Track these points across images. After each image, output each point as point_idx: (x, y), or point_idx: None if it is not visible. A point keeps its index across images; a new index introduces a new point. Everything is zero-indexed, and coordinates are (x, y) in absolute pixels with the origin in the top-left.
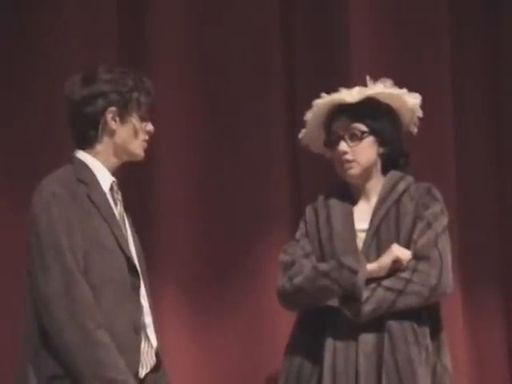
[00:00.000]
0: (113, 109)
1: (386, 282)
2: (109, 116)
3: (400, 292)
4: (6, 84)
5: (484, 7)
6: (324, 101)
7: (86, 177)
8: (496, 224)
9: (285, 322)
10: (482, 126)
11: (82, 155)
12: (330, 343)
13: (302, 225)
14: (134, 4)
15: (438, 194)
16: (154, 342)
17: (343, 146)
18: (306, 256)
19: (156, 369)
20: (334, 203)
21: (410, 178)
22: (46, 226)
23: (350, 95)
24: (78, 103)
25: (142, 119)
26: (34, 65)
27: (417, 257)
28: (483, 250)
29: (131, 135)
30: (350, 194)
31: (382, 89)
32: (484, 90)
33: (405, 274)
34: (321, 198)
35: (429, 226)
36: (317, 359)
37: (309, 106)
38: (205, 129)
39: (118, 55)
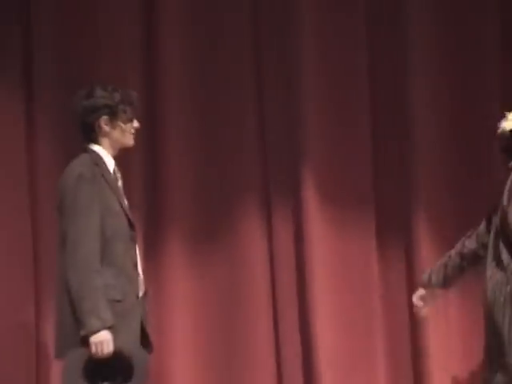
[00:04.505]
0: (105, 117)
1: None
2: (102, 123)
3: None
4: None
5: None
6: None
7: (99, 162)
8: None
9: (257, 268)
10: None
11: (94, 147)
12: None
13: None
14: None
15: None
16: (141, 275)
17: None
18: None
19: (145, 293)
20: None
21: None
22: (75, 198)
23: None
24: (80, 114)
25: (129, 121)
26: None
27: None
28: None
29: (120, 135)
30: None
31: None
32: None
33: None
34: None
35: None
36: None
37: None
38: (202, 121)
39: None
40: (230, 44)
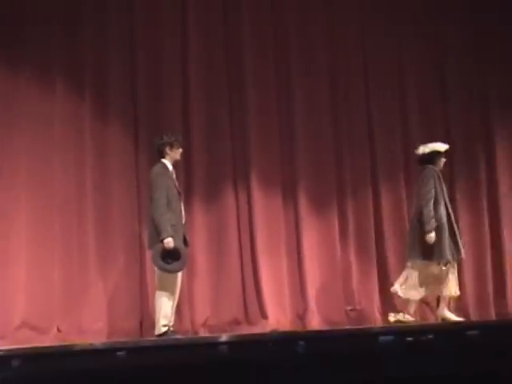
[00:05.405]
0: (167, 147)
1: None
2: (166, 150)
3: None
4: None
5: None
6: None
7: (165, 167)
8: None
9: (231, 215)
10: None
11: (163, 160)
12: None
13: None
14: None
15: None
16: (183, 214)
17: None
18: None
19: (185, 222)
20: None
21: None
22: (156, 184)
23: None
24: (157, 146)
25: (178, 148)
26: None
27: None
28: None
29: (174, 155)
30: None
31: None
32: None
33: None
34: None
35: None
36: None
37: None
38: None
39: None
40: (214, 81)
